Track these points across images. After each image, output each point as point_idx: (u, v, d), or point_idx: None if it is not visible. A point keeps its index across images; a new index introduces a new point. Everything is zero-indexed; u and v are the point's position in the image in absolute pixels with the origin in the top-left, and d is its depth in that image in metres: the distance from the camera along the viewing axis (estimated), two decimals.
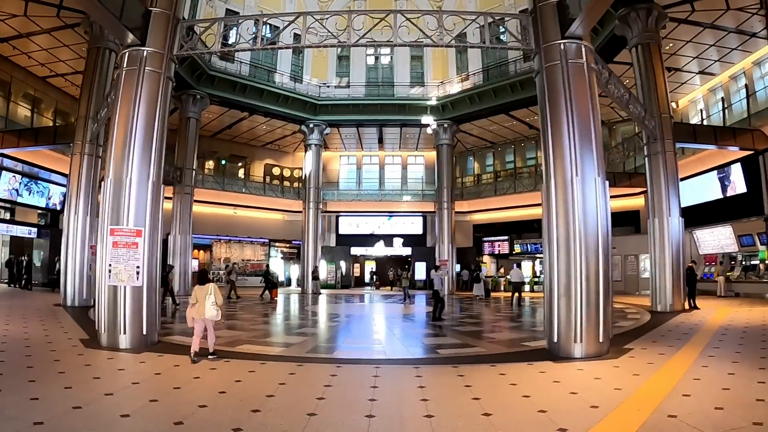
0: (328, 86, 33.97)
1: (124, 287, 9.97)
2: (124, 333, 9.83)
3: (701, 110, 26.26)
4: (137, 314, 9.98)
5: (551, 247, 9.87)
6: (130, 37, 10.84)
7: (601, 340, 9.34)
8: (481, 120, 32.07)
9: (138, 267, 10.10)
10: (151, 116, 10.70)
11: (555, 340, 9.52)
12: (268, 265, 27.88)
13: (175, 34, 11.42)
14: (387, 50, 35.22)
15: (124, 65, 10.91)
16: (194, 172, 27.25)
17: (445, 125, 32.42)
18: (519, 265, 25.84)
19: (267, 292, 24.45)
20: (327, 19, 12.72)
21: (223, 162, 36.21)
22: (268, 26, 32.54)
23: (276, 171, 38.41)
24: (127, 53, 10.95)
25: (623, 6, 18.87)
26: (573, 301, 9.41)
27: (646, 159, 18.37)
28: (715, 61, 23.01)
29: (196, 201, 29.98)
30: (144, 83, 10.70)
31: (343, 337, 13.07)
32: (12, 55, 22.98)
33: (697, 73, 24.62)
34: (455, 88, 32.29)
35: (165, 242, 26.47)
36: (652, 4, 18.46)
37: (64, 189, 24.36)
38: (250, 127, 34.27)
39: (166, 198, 26.99)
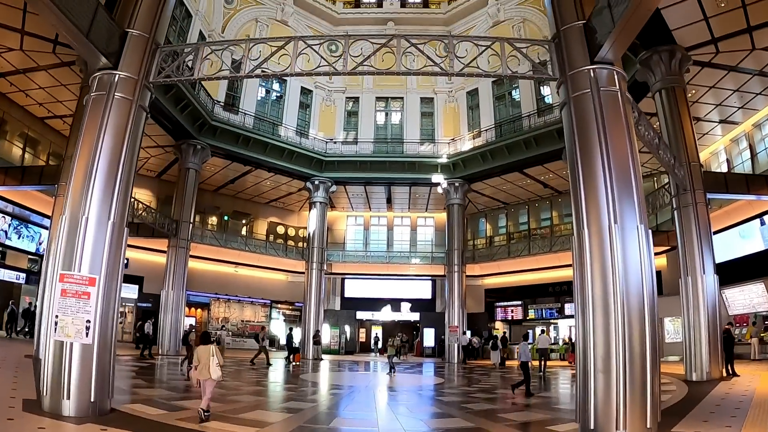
0: (335, 142, 33.09)
1: (71, 344, 8.34)
2: (68, 398, 8.19)
3: (724, 162, 24.81)
4: (85, 377, 8.33)
5: (585, 310, 8.12)
6: (102, 60, 9.65)
7: (648, 425, 7.49)
8: (493, 179, 30.75)
9: (88, 321, 8.50)
10: (117, 148, 9.33)
11: (591, 426, 7.63)
12: (291, 329, 26.38)
13: (152, 59, 10.24)
14: (397, 106, 34.61)
15: (93, 90, 9.67)
16: (191, 225, 25.87)
17: (456, 184, 31.13)
18: (544, 331, 23.98)
19: (290, 356, 23.59)
20: (320, 45, 11.39)
21: (226, 218, 34.93)
22: (276, 81, 32.21)
23: (280, 230, 37.03)
24: (97, 77, 9.74)
25: (644, 49, 17.76)
26: (613, 376, 7.60)
27: (675, 212, 16.70)
28: (738, 108, 21.73)
29: (195, 257, 28.85)
30: (112, 110, 9.44)
31: (333, 417, 11.12)
32: (9, 92, 22.29)
33: (719, 122, 23.30)
34: (467, 145, 31.19)
35: (157, 298, 24.97)
36: (675, 46, 17.33)
37: None
38: (254, 183, 33.20)
39: (160, 251, 26.52)
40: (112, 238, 9.01)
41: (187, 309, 30.36)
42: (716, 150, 25.43)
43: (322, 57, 10.95)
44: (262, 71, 11.46)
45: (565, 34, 9.41)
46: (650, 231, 8.41)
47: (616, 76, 8.91)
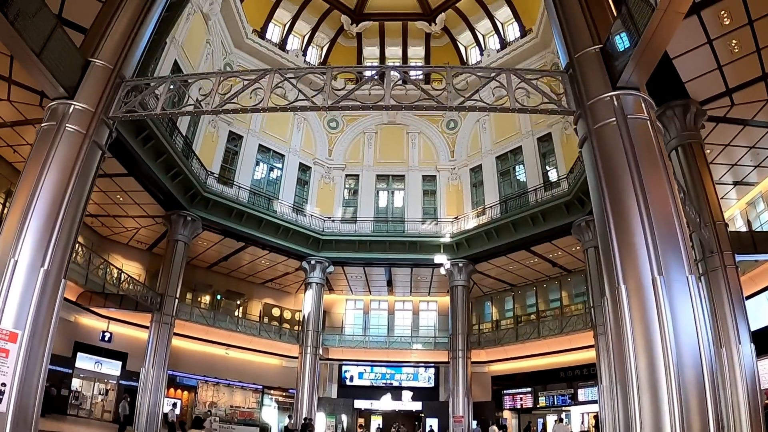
0: (333, 220, 31.92)
1: None
2: None
3: (742, 227, 23.22)
4: None
5: (629, 390, 6.38)
6: (59, 89, 8.56)
7: None
8: (499, 258, 29.18)
9: (3, 384, 6.86)
10: (62, 185, 8.05)
11: None
12: (308, 419, 24.20)
13: (114, 92, 9.14)
14: (398, 184, 33.67)
15: (44, 121, 8.49)
16: (176, 300, 24.12)
17: (460, 264, 29.53)
18: (561, 419, 21.55)
19: None
20: (299, 78, 10.32)
21: (219, 297, 33.15)
22: (271, 153, 31.57)
23: (276, 312, 35.13)
24: (51, 108, 8.60)
25: (657, 105, 16.74)
26: None
27: (703, 278, 15.00)
28: (754, 167, 20.42)
29: (183, 336, 27.25)
30: (61, 143, 8.30)
31: None
32: None
33: (733, 185, 21.92)
34: (471, 223, 29.91)
35: (137, 376, 22.94)
36: (689, 101, 16.32)
37: None
38: (249, 261, 31.68)
39: (145, 327, 24.71)
40: (44, 289, 7.53)
41: (172, 390, 28.23)
42: (732, 215, 23.96)
43: (300, 91, 9.76)
44: (231, 106, 10.04)
45: (580, 61, 8.34)
46: (701, 283, 6.81)
47: (643, 103, 7.71)
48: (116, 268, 24.29)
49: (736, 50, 14.72)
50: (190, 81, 10.56)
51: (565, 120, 26.41)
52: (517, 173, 29.56)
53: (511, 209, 27.72)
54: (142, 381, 22.00)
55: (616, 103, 7.65)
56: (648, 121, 7.54)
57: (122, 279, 22.83)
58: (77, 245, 21.03)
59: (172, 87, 10.27)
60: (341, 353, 33.22)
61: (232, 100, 9.65)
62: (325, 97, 9.51)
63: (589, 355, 24.31)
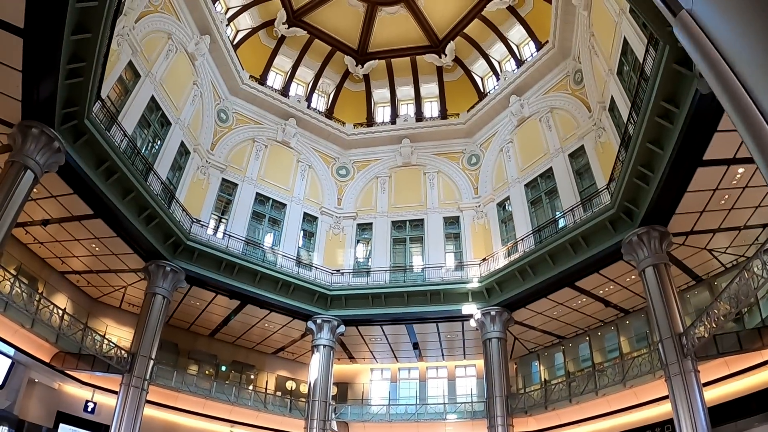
0: (342, 273, 28.06)
1: None
2: None
3: None
4: None
5: None
6: None
7: None
8: (539, 302, 24.41)
9: None
10: None
11: None
12: None
13: None
14: (417, 230, 29.85)
15: None
16: (151, 361, 20.38)
17: (493, 313, 24.95)
18: None
19: None
20: None
21: (224, 368, 29.20)
22: (270, 202, 28.65)
23: (290, 385, 30.93)
24: None
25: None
26: None
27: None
28: None
29: (175, 409, 23.88)
30: None
31: None
32: None
33: None
34: (501, 262, 25.63)
35: None
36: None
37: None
38: (251, 325, 27.81)
39: (111, 391, 21.01)
40: None
41: None
42: None
43: None
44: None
45: None
46: None
47: None
48: (91, 329, 20.86)
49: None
50: None
51: (597, 127, 22.70)
52: (550, 198, 25.49)
53: (545, 239, 23.43)
54: None
55: None
56: None
57: (94, 338, 19.58)
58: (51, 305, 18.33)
59: None
60: (363, 429, 28.30)
61: None
62: None
63: (660, 411, 19.17)
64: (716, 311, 14.46)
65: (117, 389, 21.56)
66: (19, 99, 14.74)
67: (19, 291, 16.90)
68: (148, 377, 20.03)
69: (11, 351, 18.38)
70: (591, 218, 20.62)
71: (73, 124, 16.40)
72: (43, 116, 15.31)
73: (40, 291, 20.36)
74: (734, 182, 15.96)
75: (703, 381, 16.02)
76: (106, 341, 20.60)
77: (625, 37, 17.74)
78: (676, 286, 18.33)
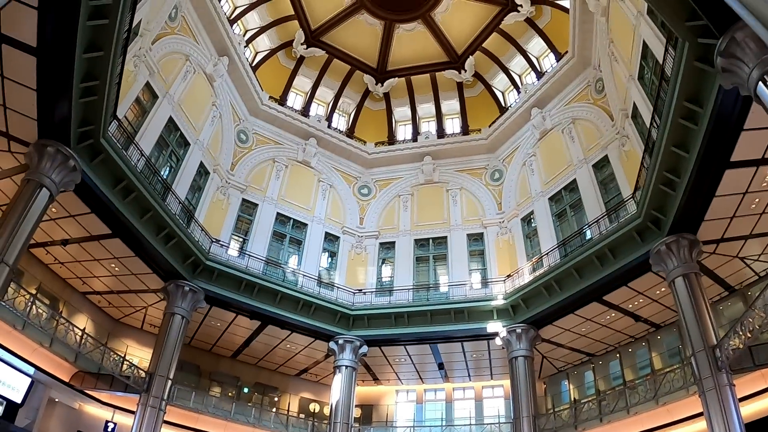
0: (365, 293, 27.62)
1: None
2: None
3: None
4: None
5: None
6: None
7: None
8: (567, 318, 23.54)
9: None
10: None
11: None
12: None
13: None
14: (442, 248, 29.31)
15: None
16: (169, 381, 20.24)
17: (518, 330, 24.14)
18: None
19: None
20: None
21: (246, 390, 28.87)
22: (291, 222, 28.51)
23: (313, 407, 30.35)
24: None
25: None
26: None
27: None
28: None
29: (198, 430, 23.25)
30: None
31: None
32: None
33: None
34: (526, 278, 24.89)
35: None
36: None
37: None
38: (273, 346, 27.46)
39: (130, 411, 20.76)
40: None
41: None
42: None
43: None
44: None
45: None
46: None
47: None
48: (109, 349, 20.81)
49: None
50: None
51: (621, 136, 22.03)
52: (575, 211, 24.77)
53: (571, 252, 22.68)
54: None
55: None
56: None
57: (113, 358, 19.60)
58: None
59: None
60: None
61: None
62: None
63: (695, 429, 18.10)
64: (751, 320, 13.61)
65: (135, 409, 21.58)
66: (35, 118, 14.97)
67: (36, 310, 16.94)
68: (165, 397, 19.89)
69: (31, 370, 18.39)
70: (617, 229, 19.87)
71: (89, 143, 16.60)
72: (59, 135, 15.51)
73: (60, 311, 20.48)
74: (764, 184, 15.17)
75: (739, 395, 15.11)
76: (125, 362, 20.56)
77: (644, 40, 17.26)
78: (708, 297, 17.48)
